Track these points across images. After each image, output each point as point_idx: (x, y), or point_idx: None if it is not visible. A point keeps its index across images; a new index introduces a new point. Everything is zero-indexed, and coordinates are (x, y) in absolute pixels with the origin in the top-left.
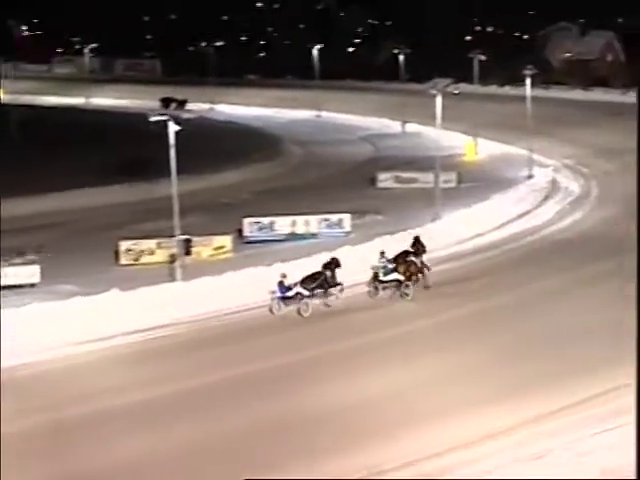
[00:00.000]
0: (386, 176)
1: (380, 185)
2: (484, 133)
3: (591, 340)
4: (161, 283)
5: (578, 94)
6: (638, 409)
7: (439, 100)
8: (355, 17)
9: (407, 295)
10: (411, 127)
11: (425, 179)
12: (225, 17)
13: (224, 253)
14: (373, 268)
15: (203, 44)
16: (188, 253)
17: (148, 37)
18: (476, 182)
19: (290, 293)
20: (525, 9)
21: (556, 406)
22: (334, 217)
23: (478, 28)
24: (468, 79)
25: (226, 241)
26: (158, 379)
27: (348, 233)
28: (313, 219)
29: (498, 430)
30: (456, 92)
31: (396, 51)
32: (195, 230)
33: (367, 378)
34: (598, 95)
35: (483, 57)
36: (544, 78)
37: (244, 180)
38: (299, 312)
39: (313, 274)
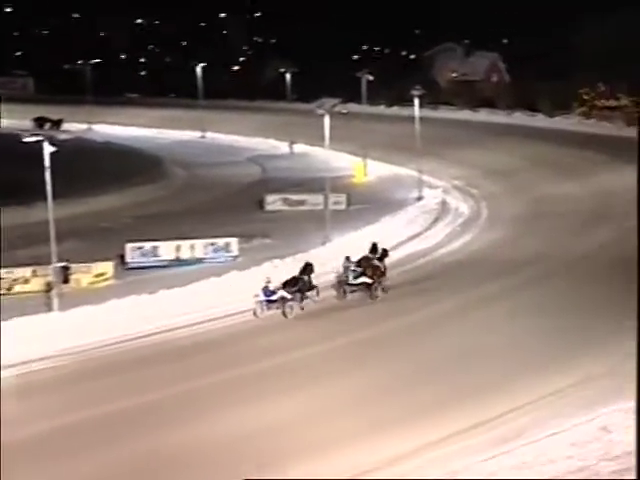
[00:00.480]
0: (274, 198)
1: (268, 208)
2: (373, 154)
3: (486, 363)
4: (36, 313)
5: (465, 114)
6: (638, 409)
7: (327, 120)
8: (240, 35)
9: (377, 297)
10: (299, 148)
11: (314, 201)
12: (102, 34)
13: (105, 280)
14: (339, 274)
15: (79, 62)
16: (66, 281)
17: (19, 54)
18: (366, 204)
19: (274, 297)
20: (411, 28)
21: (443, 433)
22: (220, 241)
23: (365, 47)
24: (356, 99)
25: (107, 267)
26: (28, 416)
27: (235, 257)
28: (198, 243)
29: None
30: (344, 112)
31: (282, 70)
32: (74, 256)
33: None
34: (484, 116)
35: (370, 77)
36: (432, 98)
37: (125, 204)
38: (284, 314)
39: (293, 278)
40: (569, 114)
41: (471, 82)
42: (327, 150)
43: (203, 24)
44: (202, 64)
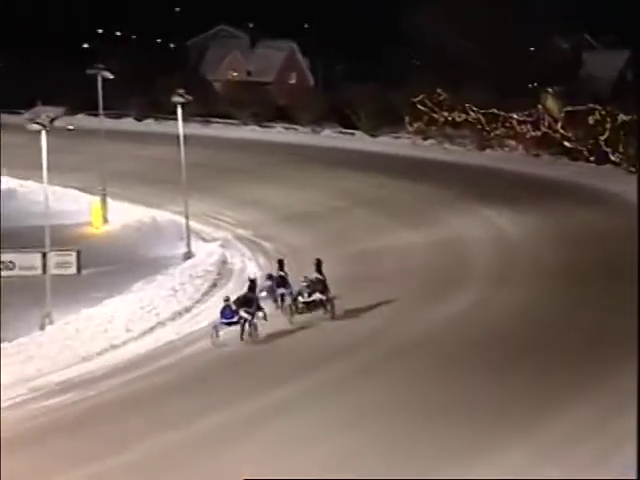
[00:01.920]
0: None
1: None
2: (118, 190)
3: None
4: None
5: (252, 132)
6: (638, 409)
7: (44, 139)
8: None
9: (336, 313)
10: (2, 181)
11: (28, 263)
12: None
13: None
14: (296, 292)
15: None
16: None
17: None
18: (108, 265)
19: (235, 318)
20: (168, 6)
21: None
22: None
23: (100, 31)
24: (89, 108)
25: None
26: None
27: None
28: None
29: None
30: (70, 128)
31: None
32: None
33: None
34: (278, 135)
35: (110, 75)
36: (203, 108)
37: None
38: (247, 336)
39: (245, 296)
40: (399, 132)
41: (260, 85)
42: (46, 185)
43: None
44: None
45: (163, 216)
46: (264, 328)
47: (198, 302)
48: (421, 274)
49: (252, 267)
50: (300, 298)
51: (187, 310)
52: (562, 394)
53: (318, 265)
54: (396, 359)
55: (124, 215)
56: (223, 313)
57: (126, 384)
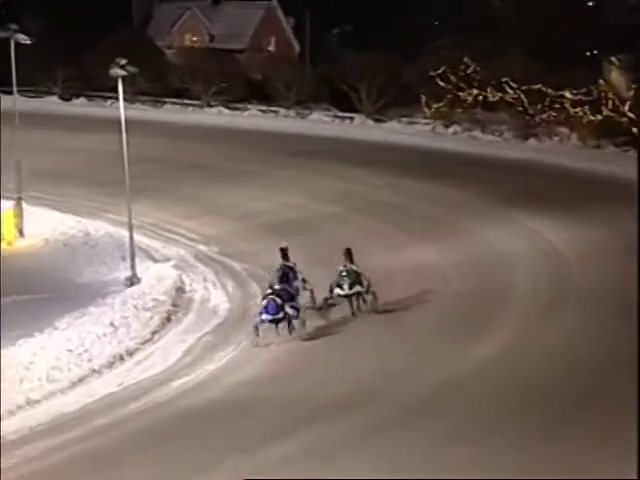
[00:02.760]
0: None
1: None
2: (38, 194)
3: None
4: None
5: (220, 116)
6: (639, 409)
7: None
8: None
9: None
10: None
11: None
12: None
13: None
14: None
15: None
16: None
17: None
18: (22, 294)
19: (281, 314)
20: None
21: None
22: None
23: None
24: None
25: None
26: None
27: None
28: None
29: None
30: None
31: None
32: None
33: None
34: (253, 119)
35: (26, 38)
36: (152, 85)
37: None
38: (297, 334)
39: (283, 288)
40: (413, 116)
41: (227, 53)
42: None
43: None
44: None
45: (99, 228)
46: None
47: (146, 342)
48: (442, 305)
49: (218, 296)
50: (339, 291)
51: (131, 353)
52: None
53: (349, 254)
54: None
55: (46, 227)
56: (267, 308)
57: (48, 452)
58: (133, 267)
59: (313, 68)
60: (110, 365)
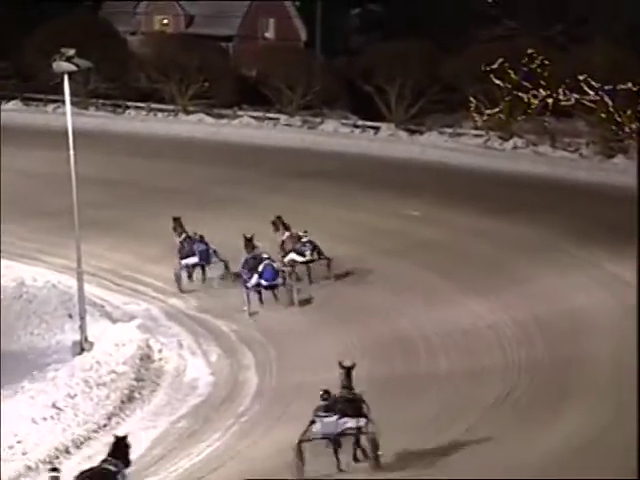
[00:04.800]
0: None
1: None
2: None
3: None
4: None
5: (197, 125)
6: (638, 409)
7: None
8: None
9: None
10: None
11: None
12: None
13: None
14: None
15: None
16: None
17: None
18: None
19: (278, 280)
20: None
21: None
22: None
23: None
24: None
25: None
26: None
27: None
28: None
29: None
30: None
31: None
32: None
33: None
34: (244, 130)
35: None
36: (110, 83)
37: None
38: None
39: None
40: (457, 126)
41: (211, 42)
42: None
43: None
44: None
45: (37, 276)
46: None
47: (101, 429)
48: (501, 379)
49: (198, 367)
50: (298, 258)
51: (79, 444)
52: None
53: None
54: None
55: None
56: (263, 274)
57: None
58: (83, 328)
59: (326, 62)
60: (51, 461)
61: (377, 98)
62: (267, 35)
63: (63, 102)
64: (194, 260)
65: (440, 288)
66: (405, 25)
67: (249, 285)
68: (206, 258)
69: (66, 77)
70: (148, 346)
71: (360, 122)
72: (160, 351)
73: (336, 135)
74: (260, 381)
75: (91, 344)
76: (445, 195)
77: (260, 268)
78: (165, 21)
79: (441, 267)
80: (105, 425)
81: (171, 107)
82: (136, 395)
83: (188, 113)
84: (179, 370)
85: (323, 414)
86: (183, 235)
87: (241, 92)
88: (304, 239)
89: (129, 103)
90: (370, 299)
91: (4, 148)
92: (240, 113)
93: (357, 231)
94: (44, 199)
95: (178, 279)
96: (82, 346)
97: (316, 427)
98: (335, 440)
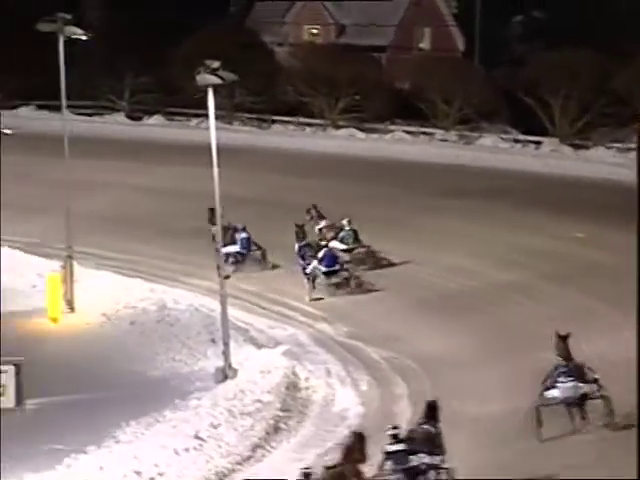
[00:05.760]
0: None
1: None
2: (98, 250)
3: None
4: None
5: (348, 140)
6: (638, 409)
7: None
8: None
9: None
10: None
11: None
12: None
13: None
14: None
15: None
16: None
17: None
18: (72, 393)
19: (337, 266)
20: None
21: None
22: None
23: None
24: (42, 94)
25: None
26: None
27: None
28: None
29: None
30: (7, 132)
31: None
32: None
33: None
34: (397, 145)
35: (82, 34)
36: (256, 97)
37: None
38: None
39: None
40: (632, 141)
41: (364, 51)
42: None
43: None
44: None
45: (179, 298)
46: None
47: (245, 461)
48: None
49: (347, 397)
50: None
51: (223, 478)
52: None
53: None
54: None
55: (105, 297)
56: (323, 260)
57: None
58: (227, 354)
59: (485, 72)
60: None
61: (540, 111)
62: (422, 45)
63: (207, 116)
64: (235, 248)
65: (610, 316)
66: (571, 32)
67: (308, 271)
68: (247, 246)
69: (210, 90)
70: (294, 374)
71: (521, 136)
72: (307, 379)
73: (495, 150)
74: (414, 413)
75: (235, 371)
76: (613, 216)
77: (320, 254)
78: (314, 31)
79: (610, 294)
80: (249, 457)
81: (320, 121)
82: (282, 426)
83: (337, 128)
84: (327, 400)
85: (562, 380)
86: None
87: (394, 105)
88: (347, 227)
89: (275, 117)
90: (533, 326)
91: (145, 165)
92: (392, 128)
93: (517, 254)
94: (182, 218)
95: (219, 268)
96: (226, 373)
97: (554, 392)
98: (574, 404)
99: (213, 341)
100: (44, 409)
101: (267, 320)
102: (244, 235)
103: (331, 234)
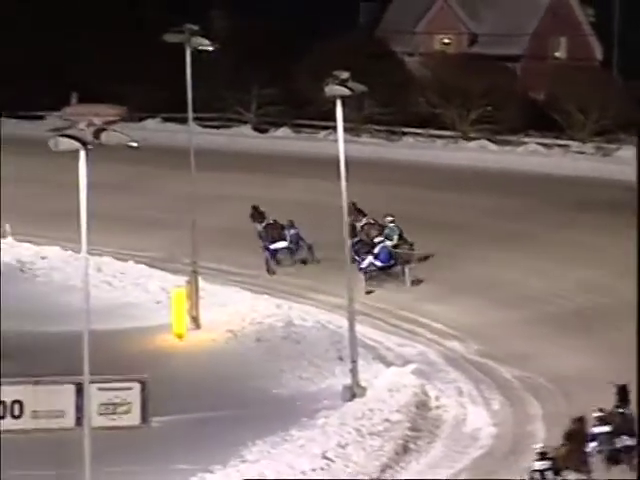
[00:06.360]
0: None
1: None
2: (219, 264)
3: None
4: None
5: (480, 152)
6: (638, 408)
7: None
8: None
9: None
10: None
11: (50, 404)
12: None
13: None
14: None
15: None
16: None
17: None
18: (198, 410)
19: (392, 261)
20: None
21: None
22: None
23: None
24: (166, 107)
25: None
26: None
27: None
28: None
29: None
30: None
31: None
32: None
33: None
34: (531, 158)
35: (209, 44)
36: (386, 109)
37: None
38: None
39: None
40: None
41: (497, 61)
42: (86, 255)
43: None
44: None
45: (306, 315)
46: None
47: None
48: None
49: (479, 416)
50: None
51: None
52: None
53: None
54: None
55: (231, 314)
56: (378, 256)
57: None
58: (355, 372)
59: (625, 82)
60: None
61: None
62: (558, 54)
63: (335, 128)
64: (284, 244)
65: None
66: None
67: (363, 266)
68: (296, 242)
69: (339, 102)
70: (424, 393)
71: None
72: (437, 398)
73: (633, 163)
74: (548, 434)
75: (363, 389)
76: None
77: (376, 250)
78: (446, 40)
79: None
80: (378, 478)
81: (450, 133)
82: (412, 446)
83: (469, 140)
84: (458, 419)
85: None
86: (265, 221)
87: (528, 116)
88: (391, 225)
89: (405, 129)
90: None
91: (271, 177)
92: (526, 140)
93: None
94: (310, 231)
95: (267, 262)
96: (354, 391)
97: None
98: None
99: (341, 359)
100: (169, 427)
101: (396, 337)
102: (293, 231)
103: (374, 232)
